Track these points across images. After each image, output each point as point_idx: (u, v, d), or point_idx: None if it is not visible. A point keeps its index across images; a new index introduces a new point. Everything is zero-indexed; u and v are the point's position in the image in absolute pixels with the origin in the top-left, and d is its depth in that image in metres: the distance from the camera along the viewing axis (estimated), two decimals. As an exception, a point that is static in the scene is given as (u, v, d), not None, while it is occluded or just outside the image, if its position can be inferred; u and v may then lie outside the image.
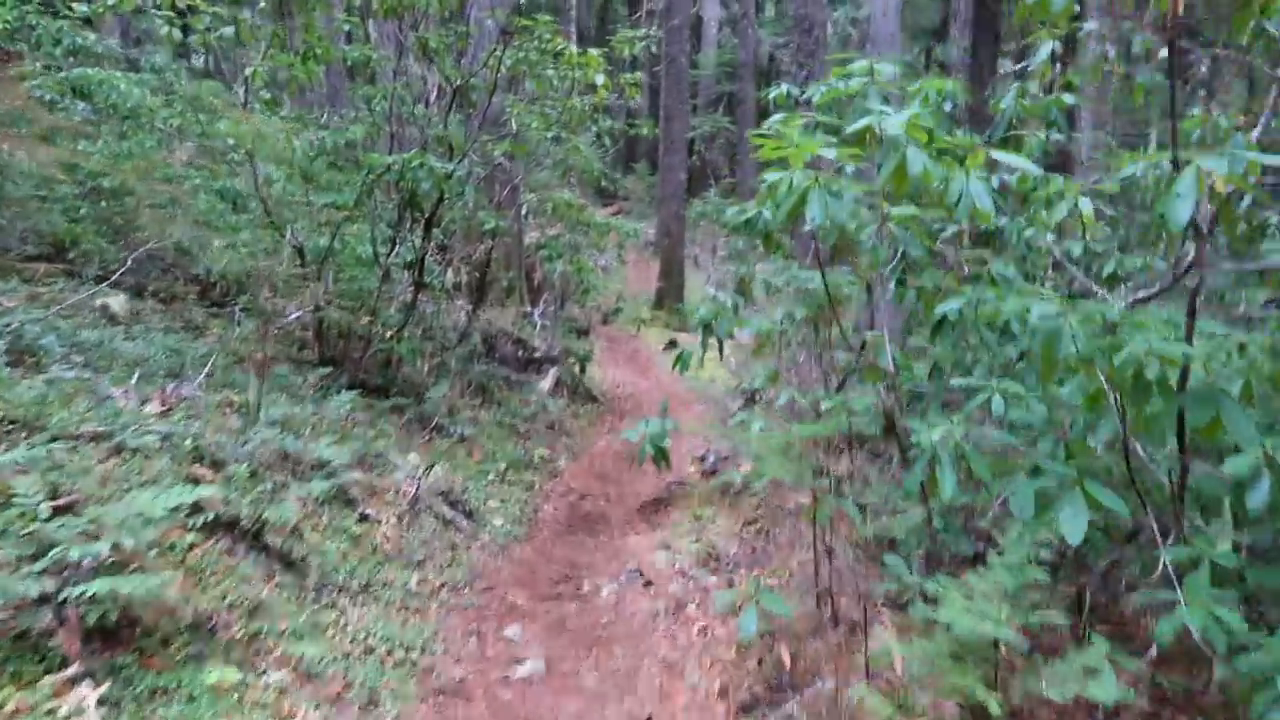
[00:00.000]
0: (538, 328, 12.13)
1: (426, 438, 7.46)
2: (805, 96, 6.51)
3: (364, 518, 5.56)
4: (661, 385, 13.42)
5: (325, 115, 9.49)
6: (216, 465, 4.88)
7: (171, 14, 7.21)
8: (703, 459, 8.57)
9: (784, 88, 7.40)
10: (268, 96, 8.78)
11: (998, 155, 3.97)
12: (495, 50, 8.54)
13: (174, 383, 5.83)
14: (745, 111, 22.88)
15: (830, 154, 4.27)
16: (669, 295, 18.29)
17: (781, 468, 4.72)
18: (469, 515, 6.44)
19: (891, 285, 5.31)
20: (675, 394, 12.85)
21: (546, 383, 11.01)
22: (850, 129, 4.37)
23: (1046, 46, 6.04)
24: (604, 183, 22.06)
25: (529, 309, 12.65)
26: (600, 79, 8.48)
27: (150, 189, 8.35)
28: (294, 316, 7.86)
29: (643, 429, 6.54)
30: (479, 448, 7.65)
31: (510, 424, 8.64)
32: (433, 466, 6.65)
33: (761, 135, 4.50)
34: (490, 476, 7.15)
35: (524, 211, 12.76)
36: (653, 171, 35.10)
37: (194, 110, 7.76)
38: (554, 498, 7.37)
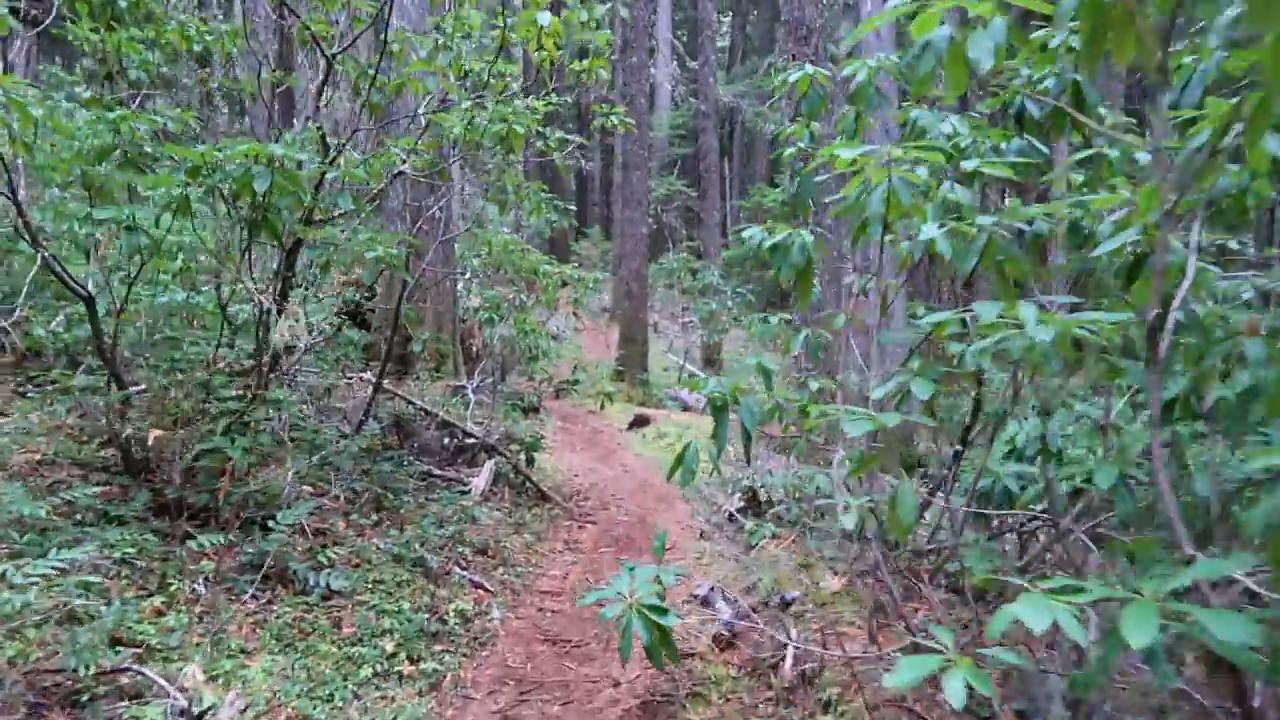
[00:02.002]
0: (470, 406, 9.05)
1: (260, 601, 4.32)
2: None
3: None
4: (631, 474, 10.37)
5: (142, 101, 6.54)
6: None
7: None
8: (705, 601, 5.50)
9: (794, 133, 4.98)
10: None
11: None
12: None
13: None
14: (709, 164, 20.33)
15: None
16: (632, 364, 15.36)
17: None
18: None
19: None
20: (649, 485, 9.81)
21: (481, 479, 7.92)
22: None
23: None
24: (553, 229, 19.28)
25: (464, 382, 9.59)
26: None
27: None
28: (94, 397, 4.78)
29: (622, 591, 3.58)
30: (353, 612, 4.51)
31: (416, 556, 5.51)
32: (228, 694, 3.49)
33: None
34: (364, 674, 4.00)
35: (456, 257, 9.77)
36: (607, 236, 32.48)
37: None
38: (473, 704, 4.22)
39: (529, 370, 9.52)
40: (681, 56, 29.35)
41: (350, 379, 8.62)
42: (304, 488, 5.96)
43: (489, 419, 8.75)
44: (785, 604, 4.93)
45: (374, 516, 6.04)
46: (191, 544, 4.43)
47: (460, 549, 6.14)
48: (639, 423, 13.10)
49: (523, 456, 8.84)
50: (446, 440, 8.46)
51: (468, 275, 11.88)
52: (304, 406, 7.61)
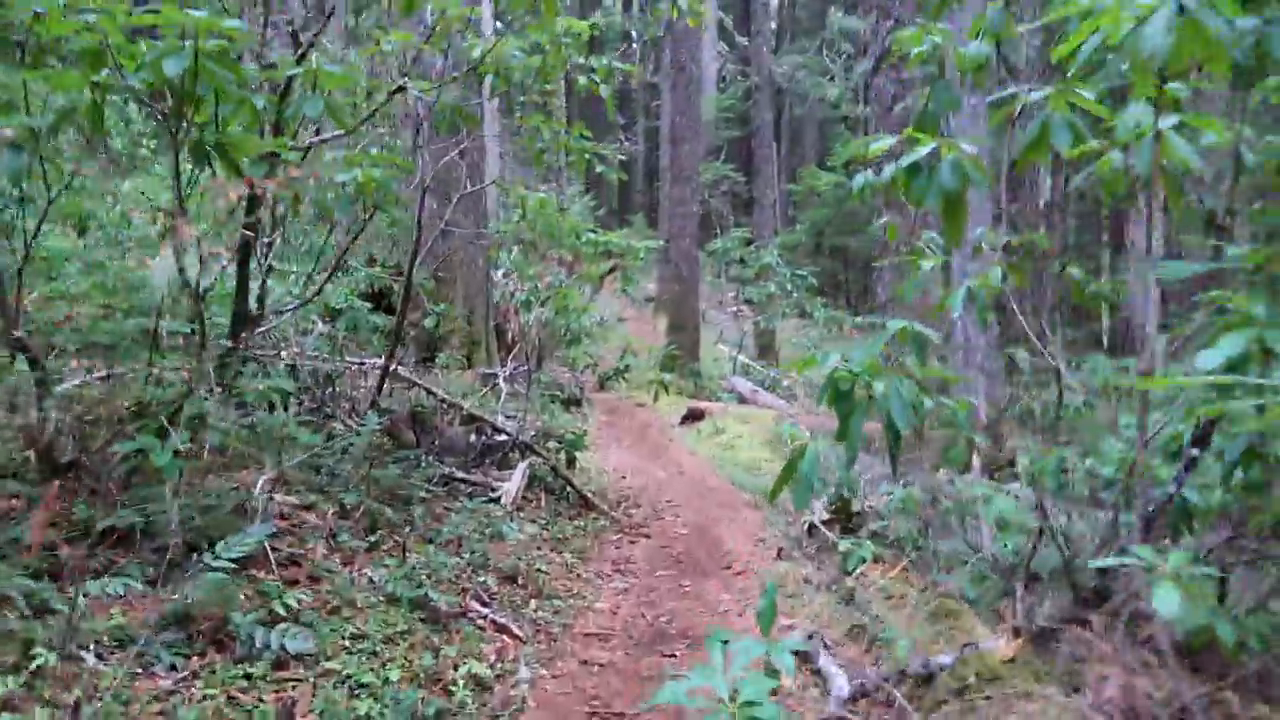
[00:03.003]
0: (502, 397, 7.66)
1: (178, 675, 2.94)
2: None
3: None
4: (686, 475, 8.92)
5: None
6: None
7: None
8: (804, 656, 4.03)
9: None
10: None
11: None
12: None
13: None
14: (762, 139, 18.76)
15: None
16: (682, 353, 13.88)
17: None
18: None
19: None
20: (708, 489, 8.35)
21: (513, 484, 6.53)
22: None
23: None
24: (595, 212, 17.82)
25: (496, 370, 8.20)
26: None
27: None
28: None
29: (715, 681, 2.12)
30: (314, 690, 3.11)
31: (418, 593, 4.10)
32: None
33: None
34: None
35: (488, 228, 8.38)
36: (651, 224, 31.01)
37: None
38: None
39: (570, 357, 8.11)
40: (729, 32, 27.73)
41: (361, 364, 7.27)
42: (284, 499, 4.59)
43: (523, 412, 7.35)
44: (927, 676, 3.44)
45: (370, 537, 4.66)
46: (95, 587, 3.07)
47: (481, 578, 4.74)
48: (692, 417, 11.63)
49: (562, 456, 7.43)
50: (473, 438, 7.07)
51: (501, 248, 10.50)
52: (303, 396, 6.28)
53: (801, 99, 29.95)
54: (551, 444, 7.67)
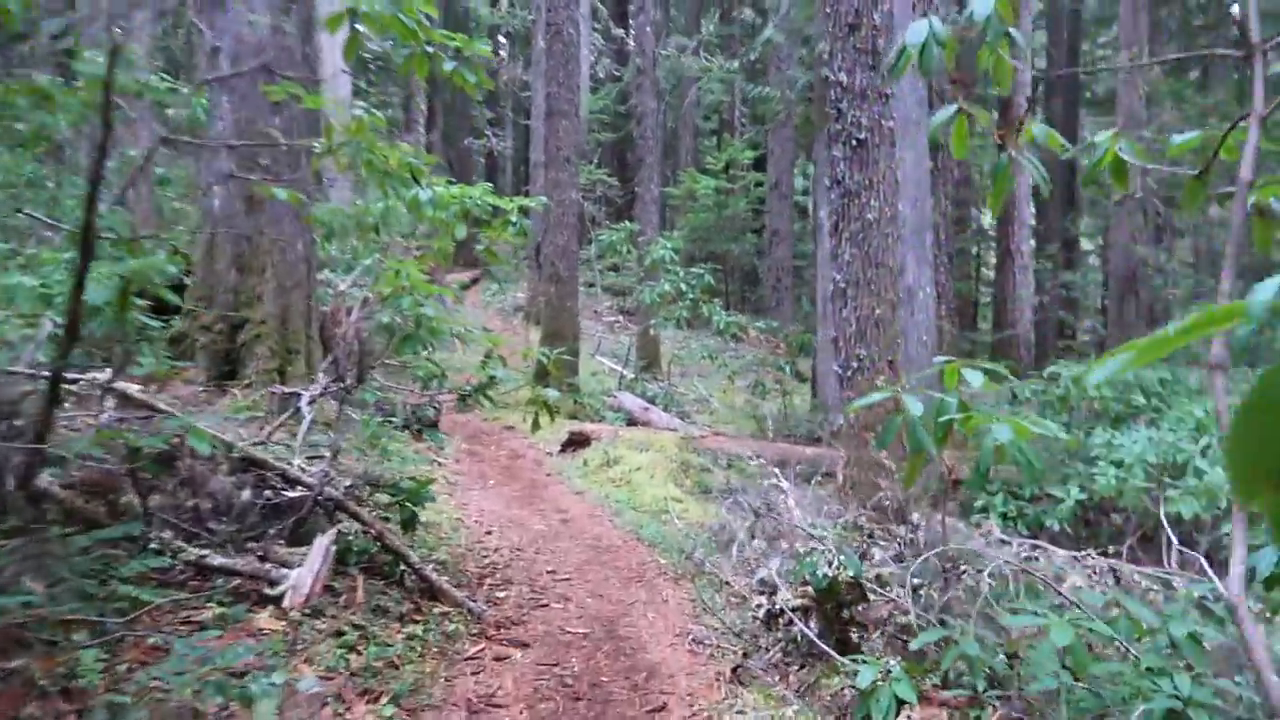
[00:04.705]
0: (304, 428, 5.01)
1: None
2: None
3: None
4: (574, 525, 6.48)
5: None
6: None
7: None
8: None
9: None
10: None
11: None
12: None
13: None
14: (645, 129, 16.56)
15: None
16: (560, 367, 11.42)
17: None
18: None
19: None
20: (607, 548, 5.93)
21: (306, 569, 3.94)
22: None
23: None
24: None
25: (300, 392, 5.54)
26: None
27: None
28: None
29: None
30: None
31: None
32: None
33: None
34: None
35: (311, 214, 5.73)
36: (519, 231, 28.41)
37: None
38: None
39: (414, 369, 5.53)
40: (605, 22, 25.54)
41: (74, 381, 4.51)
42: None
43: (333, 450, 4.74)
44: None
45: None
46: None
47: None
48: (576, 443, 9.20)
49: (396, 517, 4.87)
50: (249, 493, 4.41)
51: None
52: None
53: (675, 107, 28.13)
54: (381, 497, 5.10)
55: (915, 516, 5.87)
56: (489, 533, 6.17)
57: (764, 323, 13.06)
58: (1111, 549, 7.92)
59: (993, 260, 24.55)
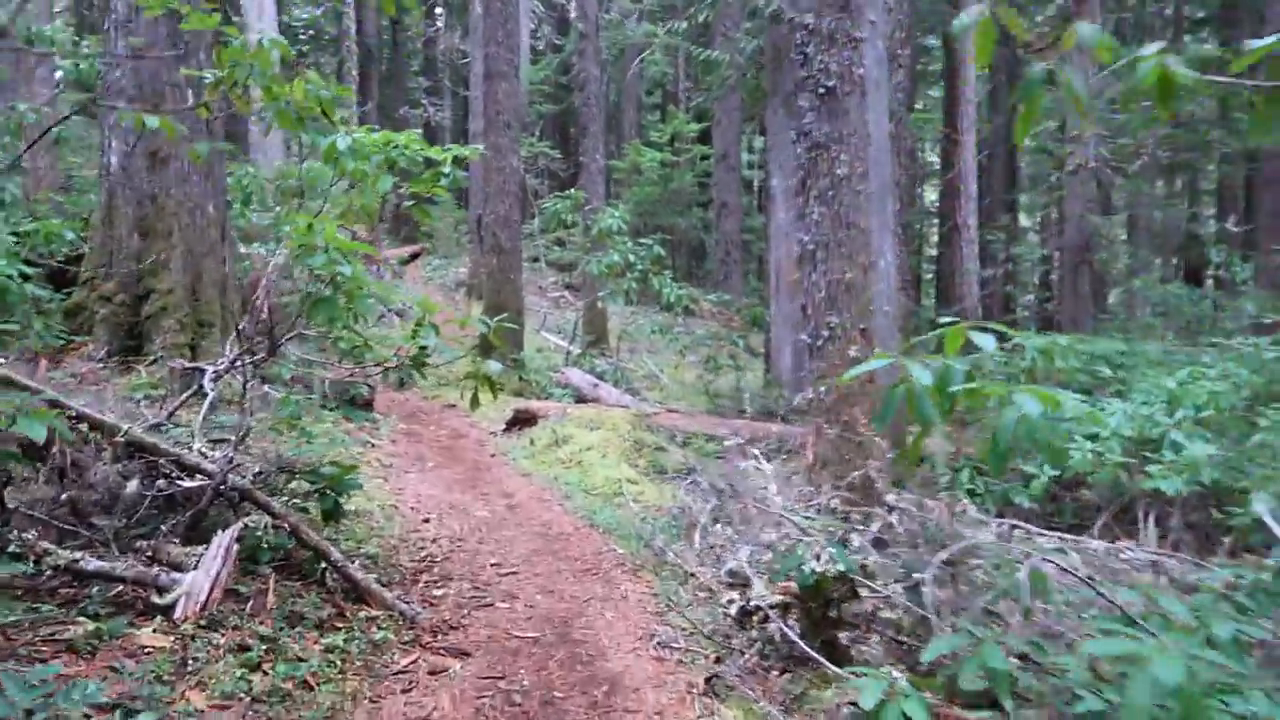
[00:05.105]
0: (205, 409, 4.33)
1: None
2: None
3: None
4: (520, 512, 5.91)
5: None
6: None
7: None
8: None
9: None
10: None
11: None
12: None
13: None
14: (589, 95, 15.85)
15: None
16: (503, 341, 10.78)
17: None
18: None
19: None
20: (557, 535, 5.36)
21: (201, 573, 3.31)
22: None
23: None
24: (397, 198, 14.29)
25: (204, 367, 4.83)
26: None
27: None
28: None
29: None
30: None
31: None
32: None
33: None
34: None
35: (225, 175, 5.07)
36: (460, 205, 27.44)
37: None
38: None
39: (340, 340, 4.86)
40: (546, -12, 24.62)
41: None
42: None
43: (241, 433, 4.08)
44: None
45: None
46: None
47: None
48: (521, 422, 8.60)
49: (318, 501, 4.25)
50: (137, 483, 3.74)
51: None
52: None
53: (618, 81, 27.43)
54: (301, 484, 4.45)
55: (890, 497, 5.43)
56: (426, 521, 5.56)
57: (715, 295, 12.53)
58: (1080, 527, 7.62)
59: (933, 237, 24.48)
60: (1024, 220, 27.86)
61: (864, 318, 5.45)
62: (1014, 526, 5.66)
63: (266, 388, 5.96)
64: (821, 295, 5.42)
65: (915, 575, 3.35)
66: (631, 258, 11.22)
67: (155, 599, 3.29)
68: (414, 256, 25.56)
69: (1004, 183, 23.30)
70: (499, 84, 11.37)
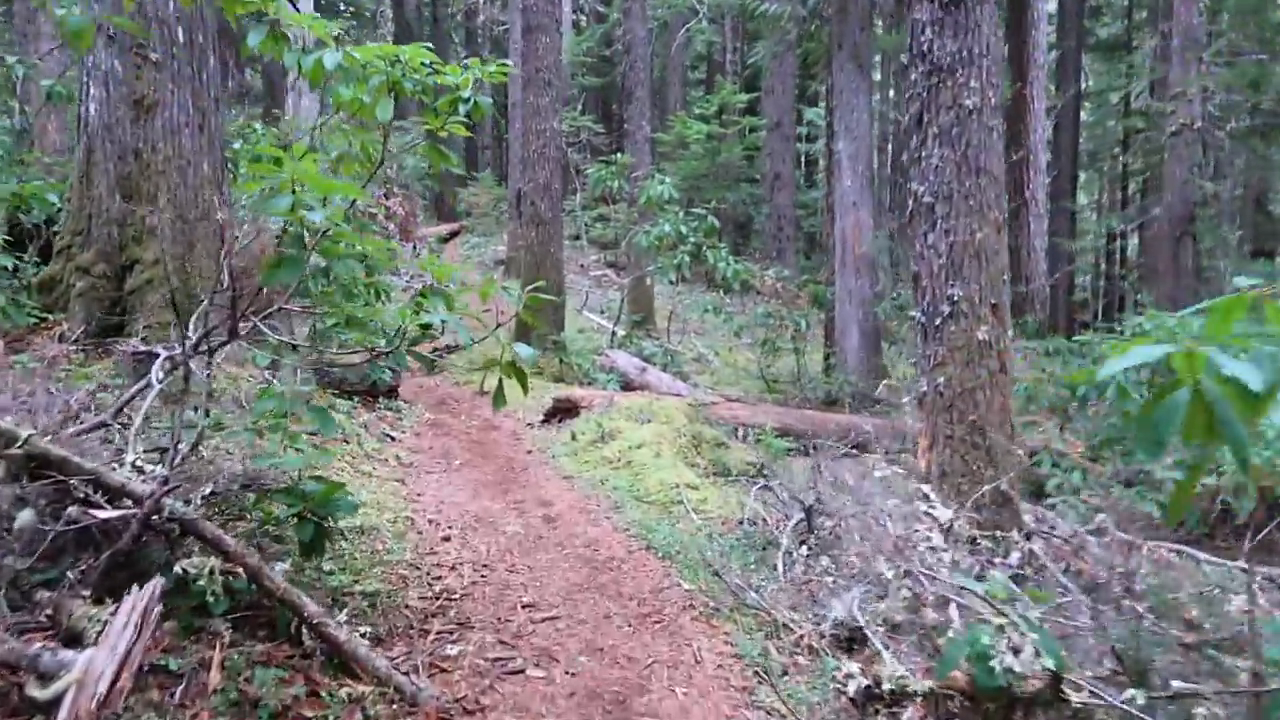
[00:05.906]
0: (145, 406, 3.26)
1: None
2: None
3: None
4: (561, 529, 4.79)
5: None
6: None
7: None
8: None
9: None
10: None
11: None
12: None
13: None
14: (635, 59, 14.63)
15: None
16: (542, 321, 9.70)
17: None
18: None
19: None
20: (607, 563, 4.24)
21: (101, 652, 2.23)
22: None
23: None
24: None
25: (158, 350, 3.76)
26: None
27: None
28: None
29: None
30: None
31: None
32: None
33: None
34: None
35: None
36: (500, 182, 26.38)
37: None
38: None
39: (333, 323, 3.78)
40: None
41: None
42: None
43: (196, 437, 3.02)
44: None
45: None
46: None
47: None
48: (562, 412, 7.51)
49: (294, 537, 3.18)
50: (31, 513, 2.69)
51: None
52: None
53: (662, 55, 26.10)
54: (275, 507, 3.38)
55: (1029, 519, 4.23)
56: (446, 539, 4.49)
57: (775, 270, 11.31)
58: (1207, 537, 6.35)
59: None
60: (1081, 199, 26.07)
61: (994, 290, 4.23)
62: (1178, 552, 4.48)
63: (254, 376, 4.90)
64: (942, 261, 4.20)
65: (1155, 663, 2.17)
66: (683, 229, 10.03)
67: (32, 691, 2.23)
68: (452, 235, 24.61)
69: (1071, 155, 21.66)
70: (539, 38, 10.21)
